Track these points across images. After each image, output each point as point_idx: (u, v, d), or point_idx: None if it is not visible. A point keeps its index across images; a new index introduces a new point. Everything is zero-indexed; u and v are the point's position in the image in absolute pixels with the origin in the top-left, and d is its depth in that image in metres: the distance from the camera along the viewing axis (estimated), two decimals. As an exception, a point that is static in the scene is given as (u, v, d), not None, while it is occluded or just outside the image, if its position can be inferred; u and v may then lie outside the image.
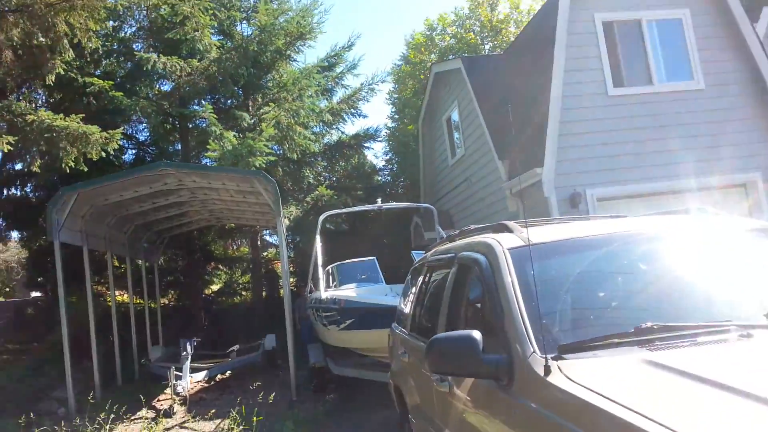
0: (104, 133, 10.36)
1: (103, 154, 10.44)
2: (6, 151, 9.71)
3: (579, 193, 9.41)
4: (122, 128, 11.12)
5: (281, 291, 14.61)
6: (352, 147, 18.14)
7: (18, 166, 15.18)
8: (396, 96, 24.69)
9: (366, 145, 18.54)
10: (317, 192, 15.52)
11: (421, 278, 4.26)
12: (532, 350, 2.18)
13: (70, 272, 11.13)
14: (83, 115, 10.50)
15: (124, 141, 16.22)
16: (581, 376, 1.91)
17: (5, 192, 15.55)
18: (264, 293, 17.97)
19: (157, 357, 12.07)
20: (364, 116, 27.28)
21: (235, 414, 7.20)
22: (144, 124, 16.75)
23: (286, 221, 14.13)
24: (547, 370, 2.03)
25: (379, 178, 20.43)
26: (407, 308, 4.47)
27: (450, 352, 2.35)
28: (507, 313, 2.41)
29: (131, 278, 12.92)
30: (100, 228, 10.94)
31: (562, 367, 2.01)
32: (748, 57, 10.07)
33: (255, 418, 6.92)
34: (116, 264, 15.08)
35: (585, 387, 1.82)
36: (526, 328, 2.27)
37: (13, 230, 16.90)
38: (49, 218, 8.83)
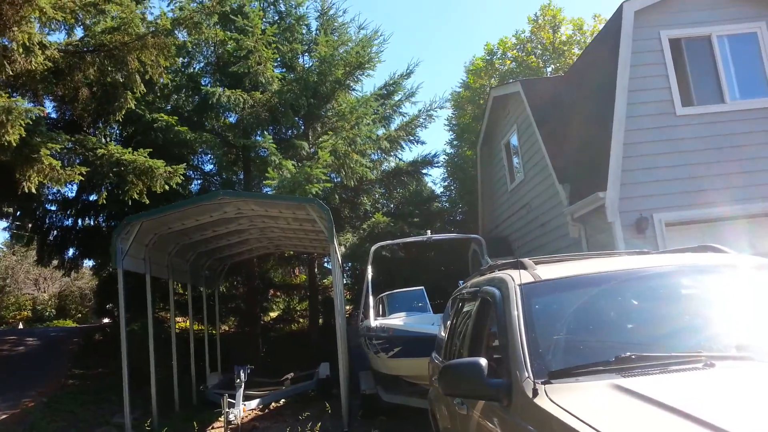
0: (168, 168, 10.72)
1: (167, 188, 10.78)
2: (77, 181, 10.19)
3: (645, 218, 8.88)
4: (186, 163, 11.45)
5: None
6: (410, 173, 18.05)
7: (92, 197, 15.99)
8: (455, 122, 24.53)
9: (424, 171, 18.42)
10: (374, 219, 15.46)
11: (454, 309, 4.60)
12: (527, 375, 2.45)
13: (136, 299, 11.49)
14: (151, 149, 10.91)
15: (191, 171, 16.78)
16: (560, 398, 2.20)
17: (80, 222, 16.34)
18: (321, 320, 17.97)
19: (215, 383, 12.19)
20: (422, 143, 27.15)
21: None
22: (209, 155, 17.36)
23: (342, 249, 14.12)
24: (535, 393, 2.33)
25: (438, 204, 20.21)
26: (442, 337, 4.80)
27: (459, 376, 2.66)
28: (511, 342, 2.70)
29: (192, 305, 13.18)
30: (163, 256, 11.24)
31: (548, 391, 2.31)
32: (832, 70, 9.32)
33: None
34: (180, 291, 15.49)
35: (560, 407, 2.12)
36: (524, 356, 2.55)
37: (86, 259, 17.71)
38: (113, 246, 9.11)
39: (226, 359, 14.20)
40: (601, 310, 3.00)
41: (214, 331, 15.08)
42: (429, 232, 11.64)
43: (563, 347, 2.70)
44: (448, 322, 4.67)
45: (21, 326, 24.67)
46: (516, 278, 3.13)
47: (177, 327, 13.05)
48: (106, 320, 17.89)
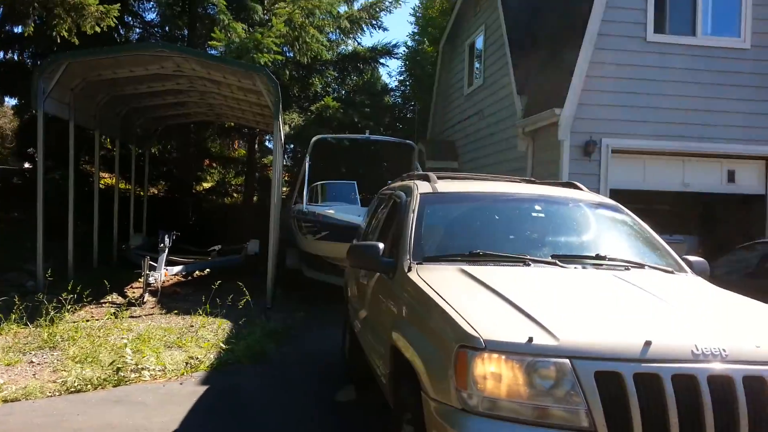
0: (101, 7, 9.65)
1: (97, 29, 9.76)
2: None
3: (594, 142, 8.87)
4: (119, 5, 10.28)
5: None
6: (367, 61, 17.26)
7: (18, 30, 14.40)
8: (420, 14, 23.41)
9: (382, 60, 17.71)
10: (323, 102, 14.86)
11: (375, 205, 5.49)
12: (408, 258, 3.40)
13: (59, 148, 10.73)
14: (84, -19, 9.72)
15: (130, 18, 15.37)
16: (425, 273, 3.18)
17: (1, 55, 14.84)
18: (255, 198, 17.68)
19: (138, 244, 11.90)
20: (385, 29, 26.05)
21: (202, 313, 7.04)
22: (152, 2, 15.89)
23: (287, 128, 13.59)
24: (410, 269, 3.30)
25: (390, 98, 19.65)
26: (364, 227, 5.71)
27: (362, 253, 3.67)
28: (403, 234, 3.63)
29: (120, 162, 12.52)
30: (91, 105, 10.43)
31: (418, 269, 3.27)
32: (803, 22, 9.26)
33: (219, 321, 6.75)
34: (108, 146, 14.67)
35: (421, 278, 3.11)
36: (409, 245, 3.50)
37: (7, 96, 16.32)
38: (34, 85, 8.31)
39: (153, 222, 13.79)
40: (472, 219, 4.01)
41: (141, 192, 14.53)
42: (368, 132, 12.61)
43: (438, 241, 3.70)
44: (370, 216, 5.58)
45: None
46: (420, 188, 4.06)
47: (102, 183, 12.44)
48: (27, 165, 16.84)
